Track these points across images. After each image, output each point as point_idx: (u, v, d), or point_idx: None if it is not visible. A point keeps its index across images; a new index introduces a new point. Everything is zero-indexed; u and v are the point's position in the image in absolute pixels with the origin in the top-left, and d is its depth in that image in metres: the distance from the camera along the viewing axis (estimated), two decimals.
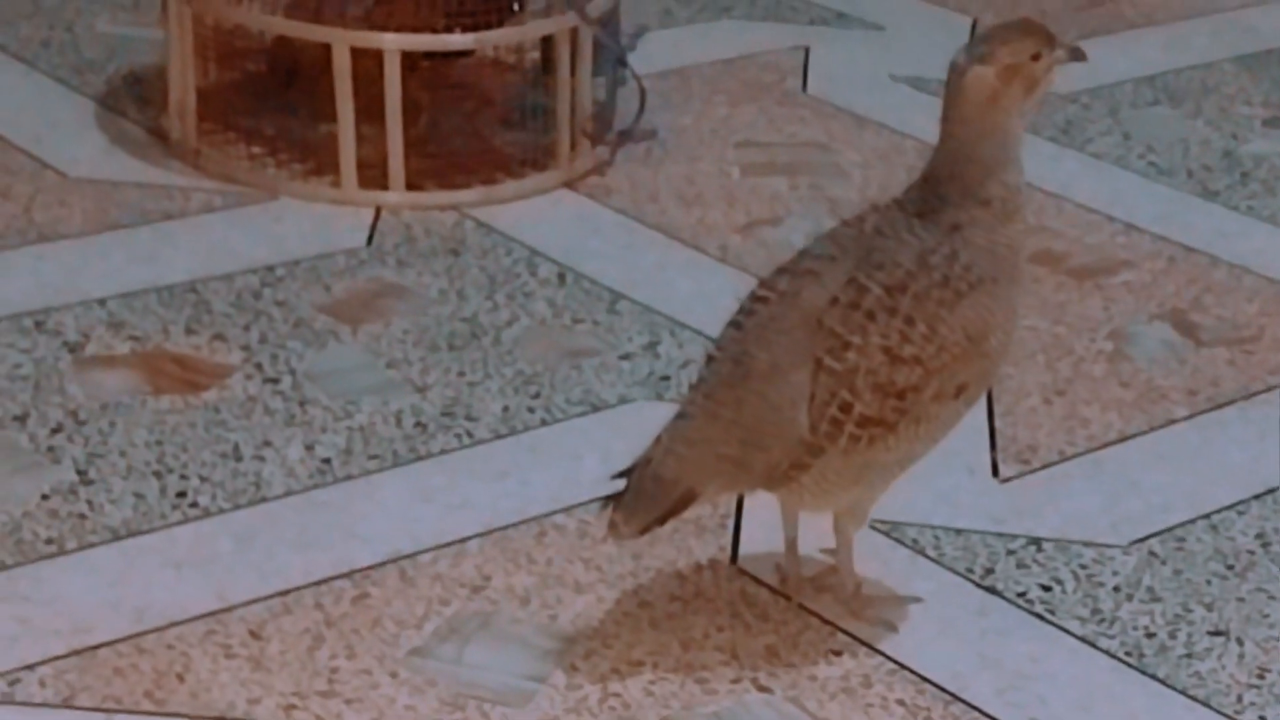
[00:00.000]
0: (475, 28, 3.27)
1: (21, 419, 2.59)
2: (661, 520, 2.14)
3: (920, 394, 2.11)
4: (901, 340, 2.09)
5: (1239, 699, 2.19)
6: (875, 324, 2.09)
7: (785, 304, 2.13)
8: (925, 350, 2.10)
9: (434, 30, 3.27)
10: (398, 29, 3.23)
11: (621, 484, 2.16)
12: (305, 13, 3.31)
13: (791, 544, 2.29)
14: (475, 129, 3.45)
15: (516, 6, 3.32)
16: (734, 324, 2.17)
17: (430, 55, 3.35)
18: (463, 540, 2.39)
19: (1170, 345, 2.95)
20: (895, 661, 2.22)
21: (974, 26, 4.16)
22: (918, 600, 2.32)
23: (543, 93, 3.41)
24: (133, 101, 3.58)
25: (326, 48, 3.23)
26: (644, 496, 2.13)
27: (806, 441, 2.11)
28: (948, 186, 2.14)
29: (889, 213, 2.17)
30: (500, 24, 3.30)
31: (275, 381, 2.71)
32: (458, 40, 3.29)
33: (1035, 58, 2.13)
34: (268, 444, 2.57)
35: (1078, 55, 2.19)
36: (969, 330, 2.12)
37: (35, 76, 3.67)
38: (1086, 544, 2.45)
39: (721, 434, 2.13)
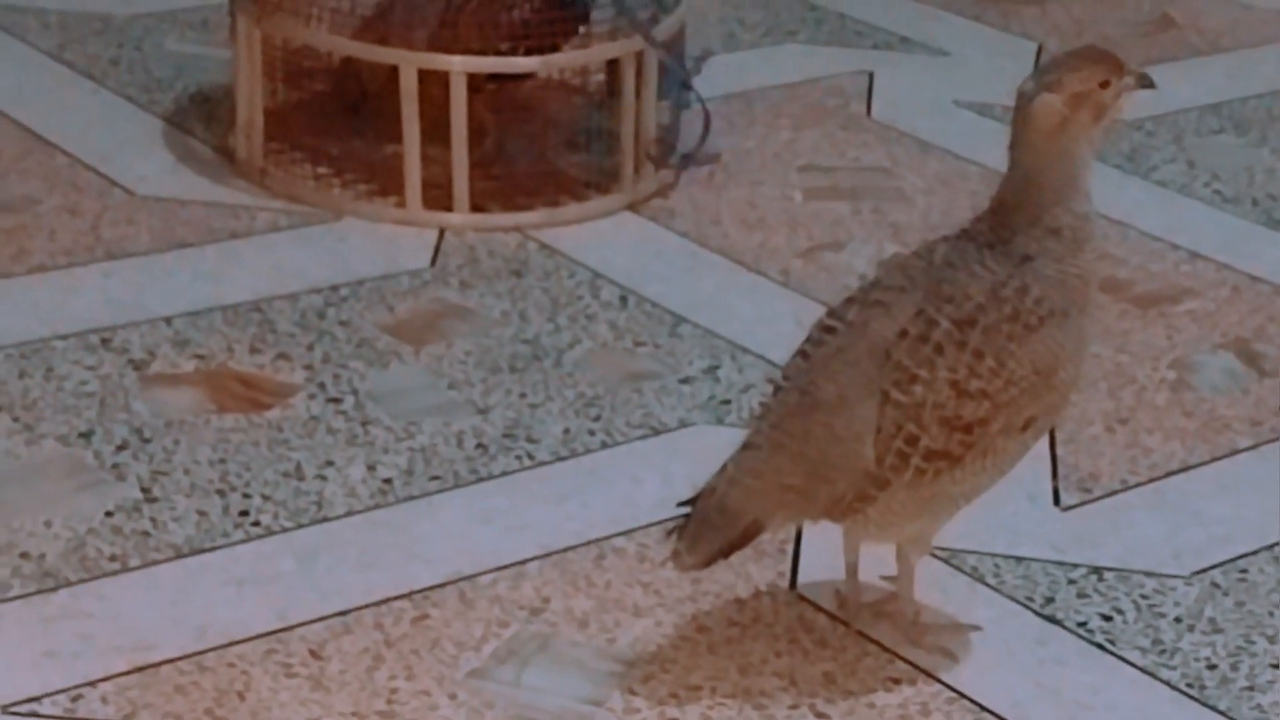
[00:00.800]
0: (540, 50, 3.28)
1: (87, 436, 2.61)
2: (726, 552, 2.14)
3: (988, 427, 2.10)
4: (969, 375, 2.09)
5: None
6: (943, 358, 2.09)
7: (853, 335, 2.13)
8: (993, 384, 2.09)
9: (497, 52, 3.28)
10: (461, 51, 3.24)
11: (685, 512, 2.16)
12: (371, 34, 3.32)
13: (852, 569, 2.29)
14: (539, 151, 3.46)
15: (580, 29, 3.33)
16: (801, 354, 2.17)
17: (496, 77, 3.36)
18: (522, 562, 2.40)
19: (1233, 375, 2.93)
20: (954, 690, 2.22)
21: (1039, 52, 4.15)
22: (977, 628, 2.32)
23: (607, 116, 3.42)
24: (200, 120, 3.61)
25: (392, 69, 3.25)
26: (709, 527, 2.13)
27: (872, 474, 2.10)
28: (1016, 215, 2.14)
29: (959, 243, 2.16)
30: (561, 47, 3.31)
31: (338, 401, 2.73)
32: (524, 63, 3.30)
33: (1104, 85, 2.12)
34: (330, 463, 2.58)
35: (1146, 82, 2.18)
36: (1038, 365, 2.11)
37: (104, 94, 3.70)
38: (1148, 574, 2.45)
39: (787, 465, 2.13)
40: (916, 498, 2.12)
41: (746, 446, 2.16)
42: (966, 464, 2.11)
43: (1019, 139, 2.14)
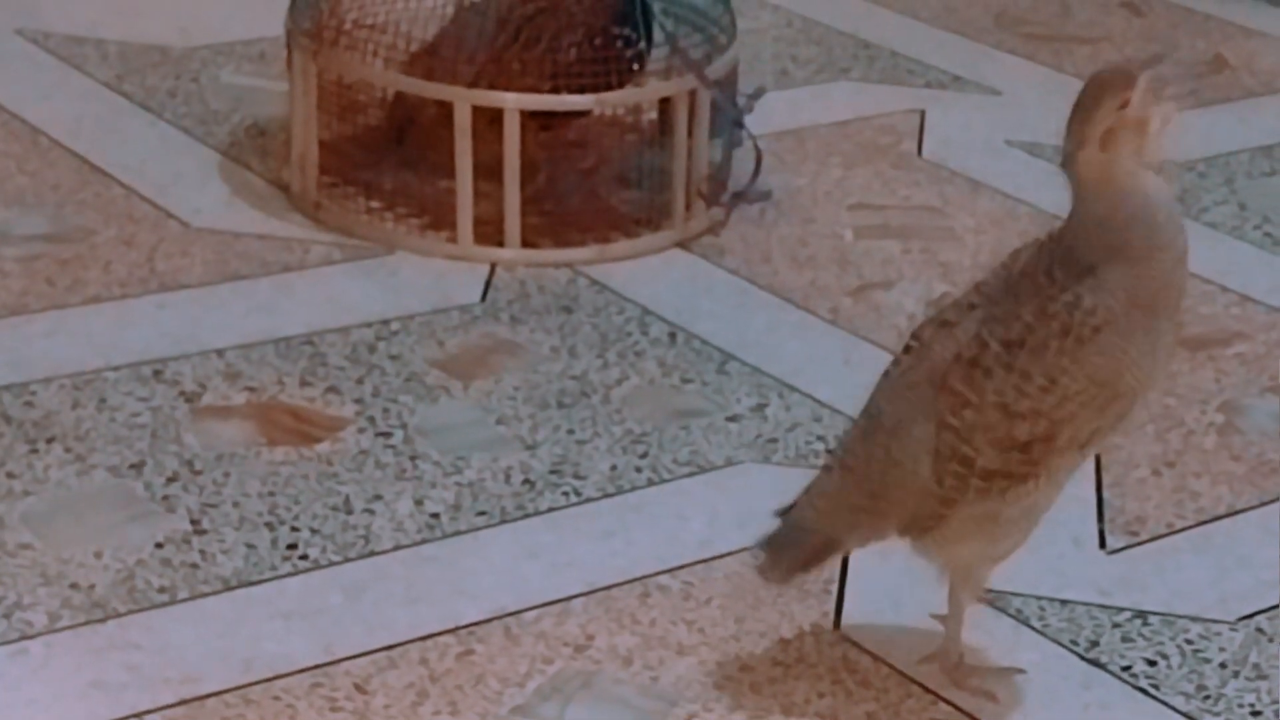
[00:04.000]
0: (595, 88, 3.29)
1: (138, 467, 2.64)
2: (805, 567, 2.23)
3: (1051, 444, 2.11)
4: (1018, 395, 2.08)
5: None
6: (991, 381, 2.09)
7: (919, 357, 2.16)
8: (1044, 403, 2.08)
9: (541, 89, 3.29)
10: (506, 87, 3.26)
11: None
12: (419, 70, 3.34)
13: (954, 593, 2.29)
14: (591, 187, 3.47)
15: (634, 68, 3.35)
16: (885, 373, 2.21)
17: (548, 114, 3.37)
18: (567, 599, 2.41)
19: None
20: None
21: None
22: (1021, 671, 2.32)
23: (659, 153, 3.43)
24: (255, 153, 3.63)
25: (441, 104, 3.27)
26: (787, 545, 2.21)
27: (936, 494, 2.13)
28: (1083, 233, 2.11)
29: (1041, 249, 2.13)
30: (615, 85, 3.32)
31: (387, 435, 2.74)
32: (578, 101, 3.32)
33: (1124, 105, 2.07)
34: (378, 498, 2.60)
35: (1155, 59, 2.12)
36: (1095, 376, 2.08)
37: (161, 126, 3.73)
38: (1193, 619, 2.44)
39: (852, 487, 2.19)
40: (972, 516, 2.14)
41: (824, 468, 2.25)
42: (1032, 482, 2.12)
43: (1077, 195, 2.09)
